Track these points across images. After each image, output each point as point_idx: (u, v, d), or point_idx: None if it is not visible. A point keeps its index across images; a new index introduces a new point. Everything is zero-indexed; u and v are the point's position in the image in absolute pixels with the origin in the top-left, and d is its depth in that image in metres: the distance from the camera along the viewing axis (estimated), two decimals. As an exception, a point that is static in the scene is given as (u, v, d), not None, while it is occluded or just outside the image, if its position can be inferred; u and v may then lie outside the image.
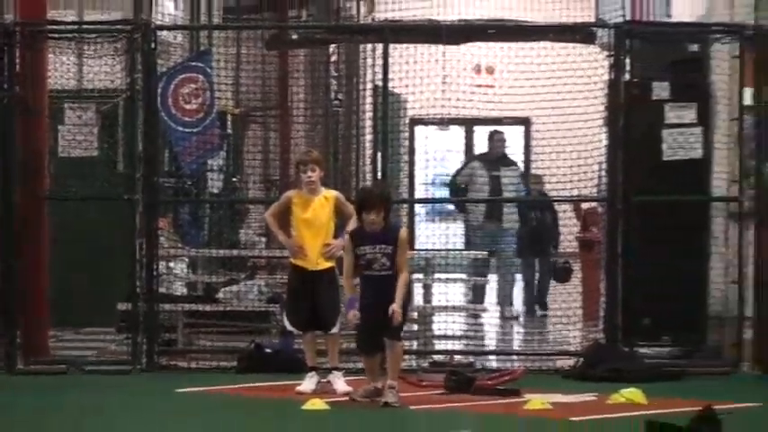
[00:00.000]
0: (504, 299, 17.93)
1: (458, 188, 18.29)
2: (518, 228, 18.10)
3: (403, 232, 11.22)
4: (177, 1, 17.98)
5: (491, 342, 15.48)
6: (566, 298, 17.31)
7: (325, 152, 16.68)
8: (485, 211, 17.53)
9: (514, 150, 25.56)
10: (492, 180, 17.24)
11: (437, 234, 21.74)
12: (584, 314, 16.30)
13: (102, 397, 11.93)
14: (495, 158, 17.63)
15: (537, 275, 19.00)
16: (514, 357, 14.32)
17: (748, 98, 13.46)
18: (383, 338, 10.52)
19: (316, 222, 11.57)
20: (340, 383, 11.46)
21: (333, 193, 11.84)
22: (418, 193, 24.00)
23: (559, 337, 15.57)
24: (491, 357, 14.17)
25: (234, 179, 18.28)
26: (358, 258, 10.54)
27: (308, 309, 11.69)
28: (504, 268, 17.96)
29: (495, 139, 18.01)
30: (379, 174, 17.99)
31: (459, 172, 18.73)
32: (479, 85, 24.30)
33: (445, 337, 15.18)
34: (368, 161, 20.37)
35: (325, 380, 11.59)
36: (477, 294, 17.74)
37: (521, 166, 18.19)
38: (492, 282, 18.79)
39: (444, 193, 26.35)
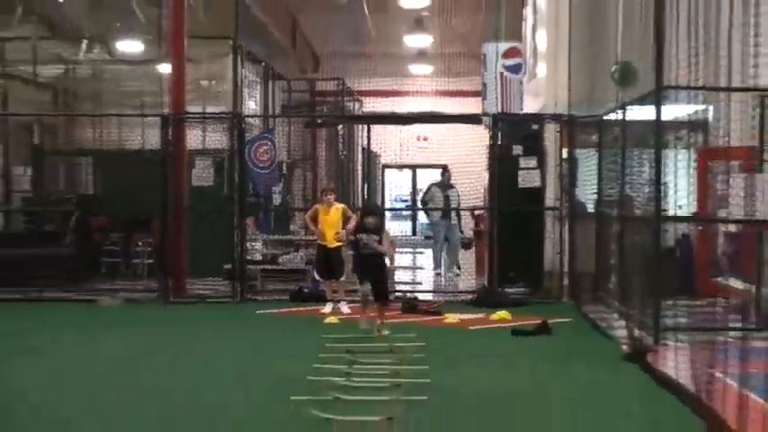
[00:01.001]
0: (437, 262, 17.78)
1: (425, 202, 18.16)
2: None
3: (387, 229, 10.89)
4: (255, 101, 18.00)
5: (428, 285, 15.48)
6: (466, 262, 17.37)
7: (337, 183, 16.70)
8: (440, 213, 17.31)
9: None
10: (444, 196, 17.10)
11: (396, 227, 21.77)
12: (476, 271, 16.44)
13: (218, 315, 12.07)
14: (445, 184, 17.48)
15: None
16: (440, 294, 14.31)
17: (564, 154, 13.59)
18: (374, 293, 9.95)
19: (331, 221, 11.67)
20: (345, 308, 11.62)
21: (341, 206, 11.91)
22: (387, 206, 24.00)
23: (464, 283, 15.73)
24: (427, 294, 14.13)
25: (287, 197, 18.27)
26: (359, 240, 9.94)
27: (327, 267, 11.84)
28: (444, 244, 17.74)
29: (446, 175, 17.86)
30: (366, 195, 18.14)
31: (426, 192, 18.55)
32: (420, 147, 24.54)
33: (402, 282, 15.20)
34: (359, 188, 20.41)
35: (336, 306, 11.68)
36: (436, 260, 17.56)
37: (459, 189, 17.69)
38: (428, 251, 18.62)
39: (400, 205, 26.57)
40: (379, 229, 10.14)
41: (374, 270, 9.97)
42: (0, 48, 15.87)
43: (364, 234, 9.96)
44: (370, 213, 10.27)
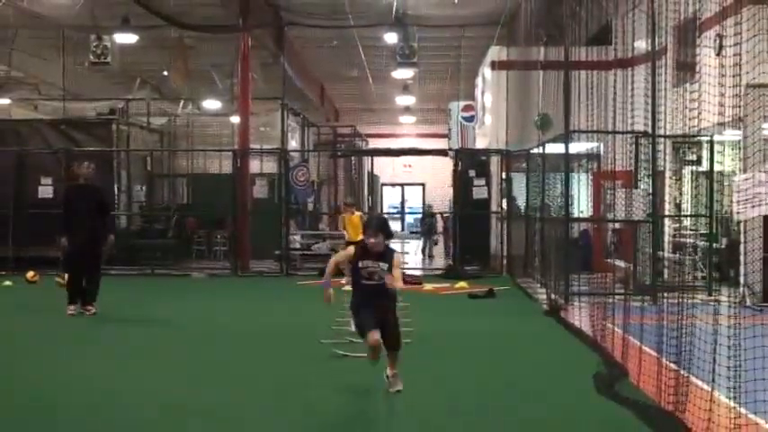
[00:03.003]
0: (425, 249, 17.58)
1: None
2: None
3: (396, 255, 4.88)
4: (296, 140, 17.81)
5: (415, 264, 15.30)
6: (438, 248, 17.22)
7: (351, 196, 16.47)
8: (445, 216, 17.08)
9: (418, 196, 25.79)
10: None
11: (390, 225, 21.47)
12: (445, 254, 16.36)
13: (270, 285, 11.92)
14: None
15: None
16: (421, 271, 14.16)
17: (503, 176, 13.47)
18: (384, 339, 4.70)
19: (354, 224, 11.46)
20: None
21: (358, 213, 11.71)
22: (384, 211, 23.80)
23: (438, 263, 15.58)
24: (413, 270, 14.01)
25: (317, 205, 18.13)
26: (359, 269, 4.76)
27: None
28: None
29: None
30: (370, 204, 17.95)
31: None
32: (405, 171, 24.50)
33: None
34: (366, 199, 20.16)
35: (350, 279, 11.50)
36: (425, 249, 17.28)
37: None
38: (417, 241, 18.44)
39: (392, 210, 26.37)
40: (385, 254, 4.79)
41: (383, 308, 4.78)
42: (125, 105, 15.93)
43: (369, 261, 4.75)
44: (373, 231, 4.78)
